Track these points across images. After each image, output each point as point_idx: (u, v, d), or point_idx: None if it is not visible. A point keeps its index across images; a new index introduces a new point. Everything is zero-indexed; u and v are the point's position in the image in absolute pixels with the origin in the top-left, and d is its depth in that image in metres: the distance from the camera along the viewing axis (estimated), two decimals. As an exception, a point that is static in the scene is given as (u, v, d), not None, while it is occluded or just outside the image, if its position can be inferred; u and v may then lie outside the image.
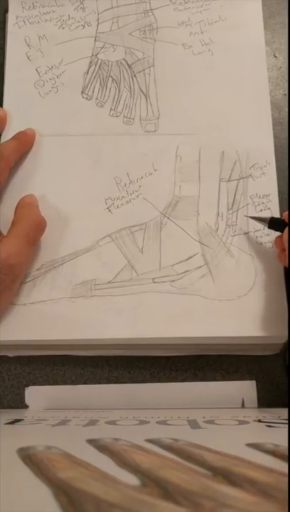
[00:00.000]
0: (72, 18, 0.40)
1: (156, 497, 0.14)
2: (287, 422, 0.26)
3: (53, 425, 0.26)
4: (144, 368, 0.35)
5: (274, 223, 0.33)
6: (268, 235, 0.34)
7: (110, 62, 0.39)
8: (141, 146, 0.37)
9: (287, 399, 0.34)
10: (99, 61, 0.39)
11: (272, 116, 0.37)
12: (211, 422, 0.26)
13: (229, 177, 0.36)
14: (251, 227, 0.35)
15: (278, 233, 0.33)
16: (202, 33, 0.39)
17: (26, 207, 0.34)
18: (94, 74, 0.38)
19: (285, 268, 0.33)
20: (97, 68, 0.39)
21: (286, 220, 0.32)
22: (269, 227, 0.33)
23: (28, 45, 0.39)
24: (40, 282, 0.34)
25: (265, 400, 0.34)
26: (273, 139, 0.37)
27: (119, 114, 0.38)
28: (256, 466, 0.17)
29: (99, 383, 0.35)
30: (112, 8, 0.40)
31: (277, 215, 0.35)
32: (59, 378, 0.35)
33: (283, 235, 0.31)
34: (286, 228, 0.31)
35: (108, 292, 0.33)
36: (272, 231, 0.33)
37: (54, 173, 0.36)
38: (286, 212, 0.32)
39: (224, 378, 0.34)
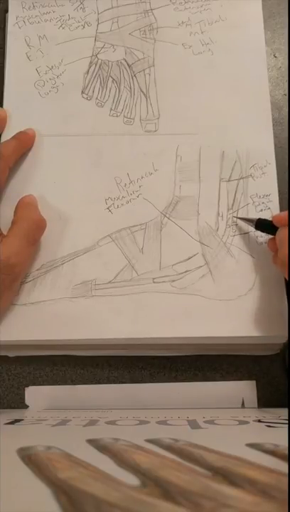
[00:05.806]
0: (72, 18, 0.40)
1: (156, 497, 0.14)
2: (287, 422, 0.26)
3: (53, 425, 0.26)
4: (144, 368, 0.35)
5: (260, 225, 0.33)
6: (268, 234, 0.34)
7: (110, 62, 0.39)
8: (141, 146, 0.37)
9: (287, 399, 0.34)
10: (99, 61, 0.39)
11: (272, 116, 0.37)
12: (211, 422, 0.26)
13: (230, 177, 0.36)
14: (252, 227, 0.35)
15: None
16: (202, 32, 0.39)
17: (26, 207, 0.34)
18: (94, 74, 0.38)
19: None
20: (97, 68, 0.39)
21: (275, 222, 0.31)
22: (256, 229, 0.33)
23: (28, 45, 0.39)
24: (41, 282, 0.34)
25: (265, 400, 0.34)
26: (273, 139, 0.37)
27: (119, 114, 0.38)
28: (256, 466, 0.17)
29: (99, 383, 0.35)
30: (112, 8, 0.40)
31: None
32: (59, 378, 0.35)
33: (276, 236, 0.31)
34: (280, 229, 0.31)
35: (108, 292, 0.33)
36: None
37: (54, 173, 0.36)
38: (275, 215, 0.32)
39: (224, 378, 0.34)
